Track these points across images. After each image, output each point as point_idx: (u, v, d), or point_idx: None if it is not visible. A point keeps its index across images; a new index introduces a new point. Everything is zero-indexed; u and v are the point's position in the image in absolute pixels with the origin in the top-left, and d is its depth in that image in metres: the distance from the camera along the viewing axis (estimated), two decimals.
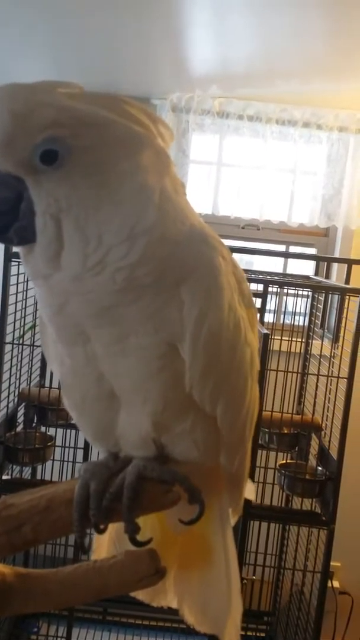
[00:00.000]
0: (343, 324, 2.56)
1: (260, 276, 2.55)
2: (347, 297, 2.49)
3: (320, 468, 2.58)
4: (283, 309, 3.43)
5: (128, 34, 2.63)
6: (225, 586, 1.14)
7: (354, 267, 2.71)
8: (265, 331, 2.14)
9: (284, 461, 2.70)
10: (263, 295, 2.48)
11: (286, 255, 3.20)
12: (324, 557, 2.51)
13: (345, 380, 2.42)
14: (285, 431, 2.77)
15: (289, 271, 3.44)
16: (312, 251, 3.55)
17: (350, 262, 2.71)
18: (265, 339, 2.10)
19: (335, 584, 3.50)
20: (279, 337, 2.60)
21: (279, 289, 2.80)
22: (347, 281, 2.67)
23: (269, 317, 2.73)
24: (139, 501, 0.97)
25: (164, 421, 0.98)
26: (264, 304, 2.50)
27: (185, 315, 0.91)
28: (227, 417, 1.00)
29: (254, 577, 2.45)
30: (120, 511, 0.95)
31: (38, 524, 0.95)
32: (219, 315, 0.93)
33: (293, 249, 3.53)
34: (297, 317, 3.05)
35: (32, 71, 3.15)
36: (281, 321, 3.30)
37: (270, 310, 2.74)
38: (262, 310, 2.53)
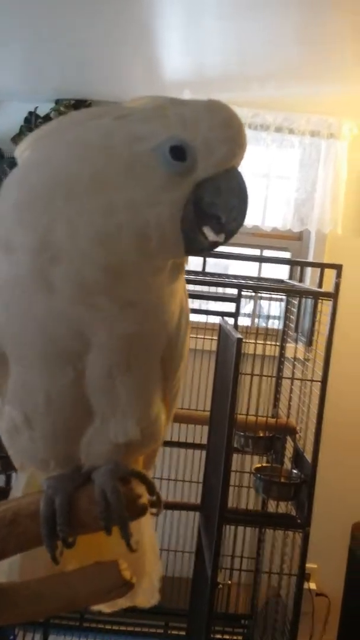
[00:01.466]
0: (317, 328, 2.58)
1: (234, 280, 2.55)
2: (320, 300, 2.51)
3: (295, 471, 2.60)
4: (258, 313, 3.44)
5: (101, 39, 2.62)
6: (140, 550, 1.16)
7: (328, 270, 2.73)
8: (239, 336, 2.14)
9: (260, 465, 2.71)
10: (237, 300, 2.49)
11: (260, 259, 3.22)
12: (300, 560, 2.52)
13: (320, 383, 2.44)
14: (261, 434, 2.78)
15: (263, 275, 3.46)
16: (286, 255, 3.57)
17: (322, 266, 2.73)
18: (239, 344, 2.11)
19: (312, 585, 3.52)
20: (254, 341, 2.61)
21: (253, 293, 2.81)
22: (320, 285, 2.68)
23: (243, 321, 2.74)
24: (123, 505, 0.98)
25: (145, 425, 1.01)
26: (238, 308, 2.51)
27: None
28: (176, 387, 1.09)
29: (229, 582, 2.45)
30: (87, 524, 0.95)
31: (4, 537, 0.94)
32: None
33: (267, 253, 3.55)
34: (271, 321, 3.06)
35: (3, 77, 3.13)
36: (255, 324, 3.31)
37: (245, 313, 2.75)
38: (236, 315, 2.54)
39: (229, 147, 0.86)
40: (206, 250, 0.91)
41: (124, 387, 0.96)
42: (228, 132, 0.86)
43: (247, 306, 3.03)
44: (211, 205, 0.88)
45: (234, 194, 0.88)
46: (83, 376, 0.94)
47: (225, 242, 0.92)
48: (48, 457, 1.03)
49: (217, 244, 0.91)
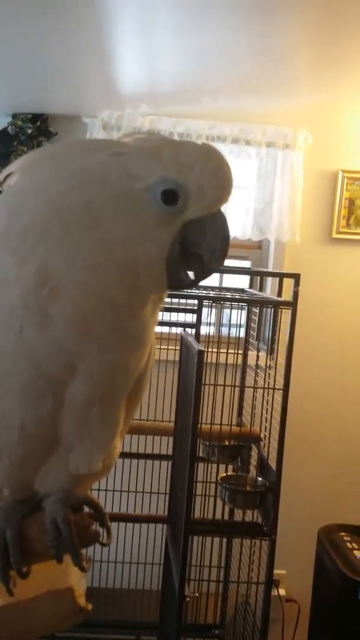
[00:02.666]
0: (278, 336, 2.61)
1: (194, 292, 2.56)
2: (280, 309, 2.54)
3: (260, 479, 2.62)
4: (220, 322, 3.46)
5: (57, 54, 2.63)
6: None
7: (287, 279, 2.76)
8: (200, 348, 2.16)
9: (225, 474, 2.72)
10: (198, 310, 2.50)
11: (220, 270, 3.24)
12: (267, 567, 2.54)
13: (281, 391, 2.47)
14: (227, 443, 2.80)
15: (225, 284, 3.49)
16: (246, 264, 3.61)
17: (281, 276, 2.77)
18: (200, 356, 2.12)
19: (282, 592, 3.54)
20: (216, 350, 2.62)
21: (213, 304, 2.84)
22: (280, 294, 2.72)
23: (205, 330, 2.75)
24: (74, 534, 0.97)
25: (106, 455, 1.01)
26: (199, 319, 2.53)
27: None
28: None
29: (197, 594, 2.46)
30: (40, 552, 0.94)
31: None
32: None
33: (228, 262, 3.58)
34: (234, 329, 3.09)
35: None
36: (218, 334, 3.33)
37: (207, 323, 2.77)
38: (197, 325, 2.56)
39: (219, 192, 0.90)
40: (187, 286, 0.95)
41: (98, 418, 0.96)
42: (219, 178, 0.90)
43: (209, 315, 3.04)
44: (195, 245, 0.92)
45: (217, 236, 0.92)
46: (61, 406, 0.93)
47: (204, 279, 0.97)
48: (3, 485, 1.02)
49: (197, 282, 0.95)
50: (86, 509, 1.05)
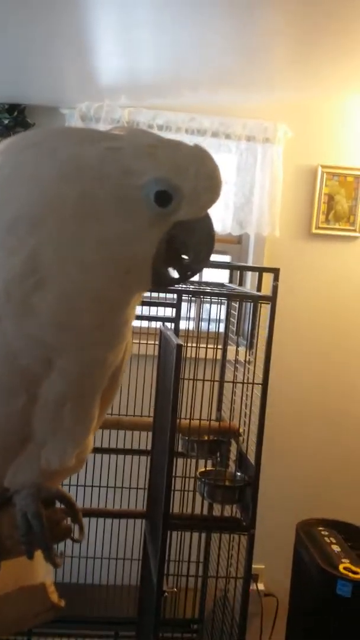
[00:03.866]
0: (257, 331, 2.60)
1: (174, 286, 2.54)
2: (259, 304, 2.53)
3: (239, 474, 2.61)
4: (199, 316, 3.45)
5: (35, 44, 2.59)
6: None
7: (266, 274, 2.76)
8: (179, 342, 2.14)
9: (204, 469, 2.71)
10: (177, 305, 2.49)
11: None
12: (245, 562, 2.54)
13: (260, 386, 2.46)
14: (206, 438, 2.79)
15: (204, 278, 3.47)
16: (226, 258, 3.59)
17: (260, 270, 2.76)
18: (179, 350, 2.11)
19: (260, 586, 3.56)
20: (195, 345, 2.62)
21: (193, 298, 2.82)
22: (259, 288, 2.71)
23: (184, 325, 2.74)
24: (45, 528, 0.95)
25: (79, 451, 1.00)
26: (178, 313, 2.51)
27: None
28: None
29: (175, 589, 2.45)
30: (10, 549, 0.92)
31: None
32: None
33: None
34: (213, 324, 3.08)
35: None
36: (198, 328, 3.32)
37: (187, 317, 2.75)
38: (176, 320, 2.54)
39: (211, 196, 0.91)
40: (170, 285, 0.96)
41: (71, 414, 0.94)
42: (212, 181, 0.90)
43: (189, 309, 3.03)
44: (182, 245, 0.92)
45: (204, 238, 0.93)
46: (34, 401, 0.92)
47: (187, 279, 0.97)
48: None
49: (180, 281, 0.96)
50: (58, 505, 1.03)
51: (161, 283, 0.93)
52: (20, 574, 1.02)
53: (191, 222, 0.91)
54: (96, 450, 2.99)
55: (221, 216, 3.38)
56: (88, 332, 0.89)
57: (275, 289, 2.47)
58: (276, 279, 2.48)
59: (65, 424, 0.94)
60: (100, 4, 2.18)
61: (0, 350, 0.88)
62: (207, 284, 2.96)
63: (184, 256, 0.93)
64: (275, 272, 2.50)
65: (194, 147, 0.90)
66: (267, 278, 2.61)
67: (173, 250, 0.91)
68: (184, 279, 0.95)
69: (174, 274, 0.94)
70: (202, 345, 2.62)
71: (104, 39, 2.54)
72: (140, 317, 2.82)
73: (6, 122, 3.21)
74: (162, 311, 2.89)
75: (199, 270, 0.98)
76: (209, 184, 0.89)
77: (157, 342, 2.70)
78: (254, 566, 2.65)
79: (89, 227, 0.85)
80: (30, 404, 0.92)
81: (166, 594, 2.11)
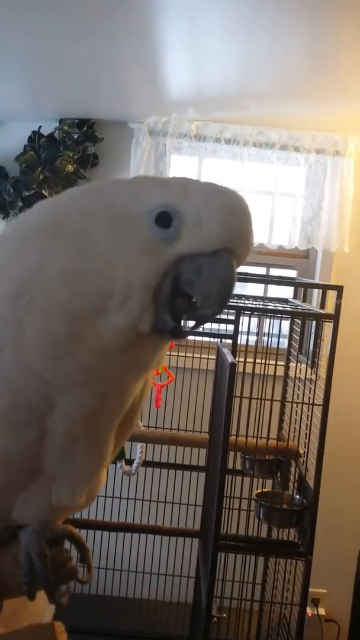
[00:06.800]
0: (320, 349, 2.52)
1: (232, 302, 2.48)
2: (322, 322, 2.46)
3: (297, 497, 2.53)
4: (261, 332, 3.39)
5: (104, 58, 2.62)
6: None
7: (331, 291, 2.67)
8: (233, 360, 2.10)
9: (261, 490, 2.64)
10: (235, 321, 2.44)
11: (264, 281, 3.17)
12: (302, 588, 2.45)
13: (321, 407, 2.38)
14: (266, 457, 2.72)
15: (269, 293, 3.41)
16: (292, 273, 3.52)
17: (324, 287, 2.68)
18: (232, 369, 2.06)
19: (322, 611, 3.44)
20: (258, 361, 2.54)
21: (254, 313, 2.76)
22: (323, 306, 2.63)
23: (242, 340, 2.67)
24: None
25: (90, 488, 0.97)
26: (236, 330, 2.46)
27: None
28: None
29: (224, 615, 2.39)
30: (12, 587, 0.90)
31: None
32: None
33: (273, 271, 3.50)
34: (275, 339, 3.01)
35: (6, 97, 3.14)
36: (259, 344, 3.25)
37: (245, 331, 2.69)
38: (234, 336, 2.49)
39: (219, 229, 0.80)
40: (168, 333, 0.83)
41: (82, 451, 0.91)
42: (226, 217, 0.80)
43: (249, 324, 2.97)
44: (187, 284, 0.82)
45: (215, 280, 0.81)
46: (45, 436, 0.89)
47: (194, 328, 0.87)
48: None
49: (182, 330, 0.83)
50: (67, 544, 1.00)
51: (160, 327, 0.82)
52: (28, 611, 1.00)
53: (199, 259, 0.81)
54: (153, 464, 3.02)
55: (288, 229, 3.32)
56: (76, 373, 0.83)
57: (338, 307, 2.38)
58: (339, 296, 2.39)
59: (76, 460, 0.91)
60: (167, 15, 2.18)
61: (5, 385, 0.85)
62: (271, 299, 2.90)
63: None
64: (339, 289, 2.41)
65: (216, 184, 0.83)
66: (332, 295, 2.53)
67: (179, 290, 0.82)
68: (186, 329, 0.85)
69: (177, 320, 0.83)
70: (260, 362, 2.54)
71: (171, 51, 2.54)
72: (198, 333, 2.78)
73: (76, 136, 3.26)
74: (220, 326, 2.86)
75: (209, 318, 0.84)
76: (220, 217, 0.80)
77: (214, 357, 2.66)
78: (315, 590, 2.57)
79: (75, 242, 0.81)
80: (42, 437, 0.89)
81: (215, 619, 2.05)
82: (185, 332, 0.85)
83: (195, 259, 0.81)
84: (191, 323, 0.86)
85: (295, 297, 3.04)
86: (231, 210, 0.81)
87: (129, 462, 2.87)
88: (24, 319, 0.81)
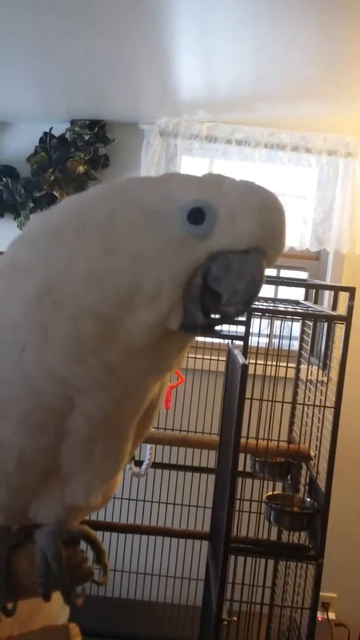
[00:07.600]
0: (331, 351, 2.51)
1: None
2: (334, 323, 2.44)
3: (308, 499, 2.51)
4: (272, 334, 3.37)
5: (114, 60, 2.61)
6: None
7: (342, 292, 2.65)
8: (244, 361, 2.08)
9: (271, 493, 2.62)
10: (246, 323, 2.43)
11: (275, 282, 3.15)
12: (313, 592, 2.43)
13: (333, 409, 2.36)
14: (276, 460, 2.70)
15: (280, 294, 3.39)
16: (303, 275, 3.50)
17: (336, 289, 2.66)
18: (244, 370, 2.05)
19: (332, 615, 3.42)
20: (269, 363, 2.53)
21: (265, 315, 2.75)
22: (334, 307, 2.61)
23: (253, 341, 2.66)
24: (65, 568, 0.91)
25: (106, 488, 0.97)
26: (247, 331, 2.45)
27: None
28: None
29: (235, 618, 2.37)
30: (28, 589, 0.89)
31: None
32: None
33: (284, 272, 3.49)
34: (285, 341, 2.99)
35: (17, 99, 3.15)
36: (270, 345, 3.24)
37: (255, 333, 2.67)
38: (246, 338, 2.48)
39: (252, 227, 0.79)
40: (198, 329, 0.82)
41: (101, 451, 0.91)
42: (259, 214, 0.79)
43: (260, 326, 2.95)
44: (215, 280, 0.80)
45: (244, 278, 0.80)
46: (63, 436, 0.89)
47: (220, 324, 0.85)
48: None
49: (211, 326, 0.83)
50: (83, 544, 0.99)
51: (189, 323, 0.80)
52: (43, 612, 0.99)
53: (229, 257, 0.80)
54: (162, 466, 3.01)
55: (299, 231, 3.30)
56: (98, 374, 0.82)
57: (350, 308, 2.36)
58: (352, 298, 2.38)
59: (94, 461, 0.91)
60: (178, 16, 2.17)
61: (25, 386, 0.84)
62: (281, 301, 2.88)
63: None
64: (351, 291, 2.40)
65: (252, 182, 0.82)
66: (344, 297, 2.52)
67: (207, 286, 0.81)
68: (217, 323, 0.83)
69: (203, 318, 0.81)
70: (271, 363, 2.53)
71: (182, 52, 2.53)
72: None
73: (87, 137, 3.25)
74: (230, 327, 2.84)
75: (234, 315, 0.82)
76: (254, 214, 0.79)
77: (225, 359, 2.64)
78: (325, 594, 2.55)
79: (104, 240, 0.80)
80: (59, 439, 0.88)
81: (225, 622, 2.03)
82: (216, 329, 0.84)
83: (225, 256, 0.80)
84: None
85: (306, 299, 3.02)
86: (267, 210, 0.80)
87: (138, 463, 2.86)
88: (48, 320, 0.81)
